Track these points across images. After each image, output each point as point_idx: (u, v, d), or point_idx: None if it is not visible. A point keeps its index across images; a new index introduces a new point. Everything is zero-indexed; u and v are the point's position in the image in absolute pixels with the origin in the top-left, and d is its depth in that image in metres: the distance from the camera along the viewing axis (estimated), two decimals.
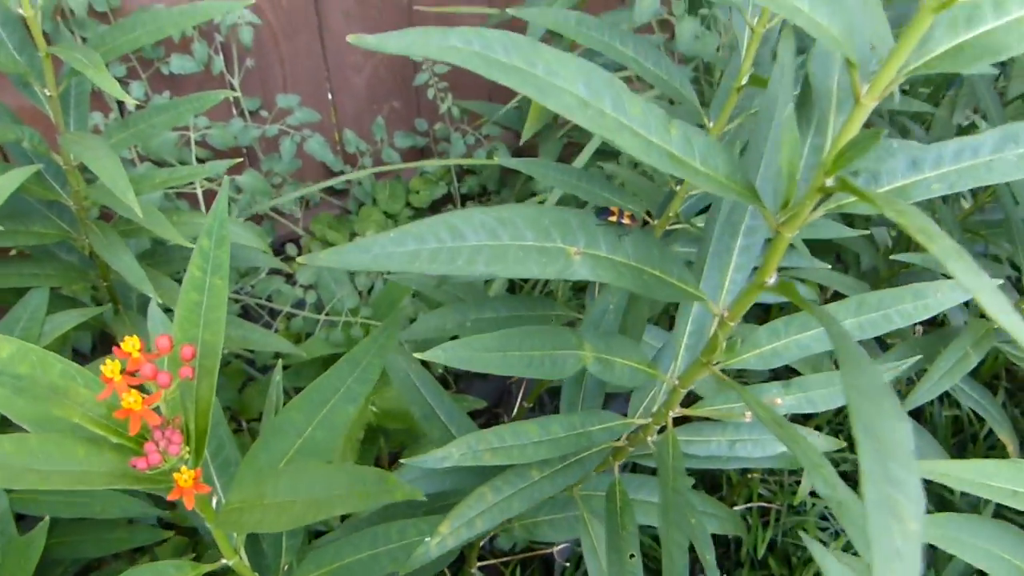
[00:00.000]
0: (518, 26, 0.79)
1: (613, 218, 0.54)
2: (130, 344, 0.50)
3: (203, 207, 1.52)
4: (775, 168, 0.61)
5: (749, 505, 1.76)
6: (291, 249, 2.02)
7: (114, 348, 0.50)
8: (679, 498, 0.59)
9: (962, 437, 1.85)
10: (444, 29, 0.40)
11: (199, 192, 1.50)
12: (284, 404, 0.72)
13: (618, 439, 0.73)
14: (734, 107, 0.87)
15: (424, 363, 0.90)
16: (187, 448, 0.51)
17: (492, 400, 1.82)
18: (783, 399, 0.70)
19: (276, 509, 0.52)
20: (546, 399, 1.71)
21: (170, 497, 0.51)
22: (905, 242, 1.60)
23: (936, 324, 1.90)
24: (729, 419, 0.73)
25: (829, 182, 0.48)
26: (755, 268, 0.64)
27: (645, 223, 0.98)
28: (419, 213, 2.14)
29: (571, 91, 0.40)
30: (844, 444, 0.78)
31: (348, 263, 0.44)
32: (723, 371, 0.62)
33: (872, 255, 1.56)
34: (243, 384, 1.64)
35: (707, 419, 0.75)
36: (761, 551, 1.71)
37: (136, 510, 0.95)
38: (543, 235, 0.47)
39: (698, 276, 0.63)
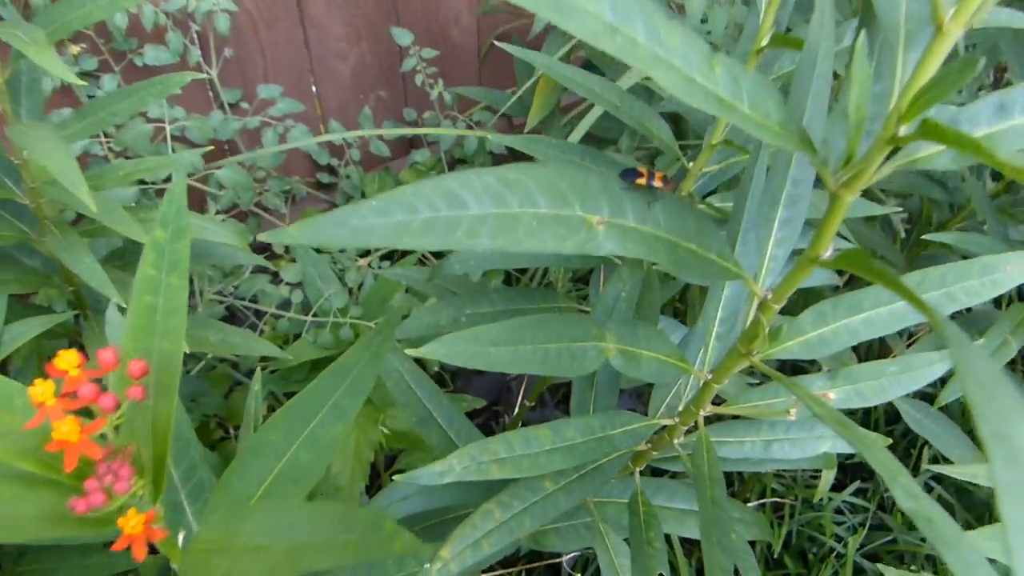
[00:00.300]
0: None
1: (642, 180, 0.46)
2: (65, 360, 0.41)
3: None
4: (821, 123, 0.53)
5: (762, 501, 1.68)
6: (278, 247, 1.93)
7: (47, 365, 0.41)
8: (721, 513, 0.50)
9: None
10: None
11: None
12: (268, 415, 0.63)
13: (641, 443, 0.65)
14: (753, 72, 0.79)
15: (419, 361, 0.81)
16: (140, 482, 0.42)
17: (491, 398, 1.74)
18: (832, 393, 0.61)
19: (250, 555, 0.43)
20: (547, 396, 1.63)
21: (115, 547, 0.42)
22: (925, 223, 1.52)
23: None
24: (767, 417, 0.64)
25: (903, 130, 0.40)
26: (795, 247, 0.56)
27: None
28: None
29: (596, 13, 0.32)
30: (890, 441, 0.70)
31: (322, 238, 0.35)
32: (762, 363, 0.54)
33: (885, 242, 1.48)
34: (230, 389, 1.56)
35: (738, 417, 0.67)
36: (777, 548, 1.63)
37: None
38: (560, 201, 0.38)
39: (730, 247, 0.55)
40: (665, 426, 0.64)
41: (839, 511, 1.71)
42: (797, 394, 0.47)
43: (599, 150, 1.73)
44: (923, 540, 1.62)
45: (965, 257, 1.47)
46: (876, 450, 0.42)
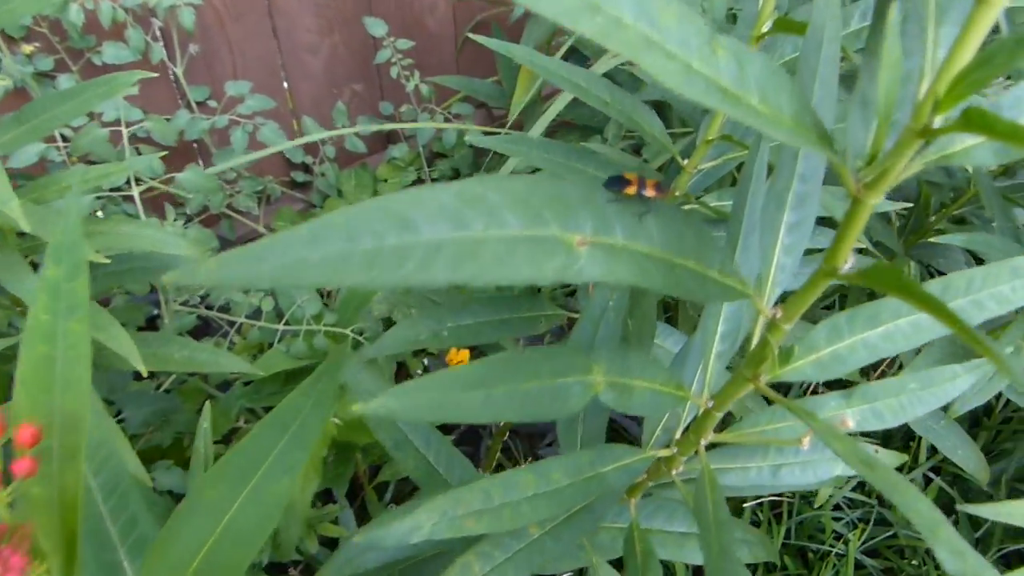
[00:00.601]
0: None
1: (631, 189, 0.39)
2: None
3: (141, 212, 1.36)
4: (831, 113, 0.46)
5: (760, 499, 1.63)
6: None
7: None
8: (729, 564, 0.44)
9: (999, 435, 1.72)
10: None
11: (136, 196, 1.34)
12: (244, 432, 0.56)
13: (637, 479, 0.59)
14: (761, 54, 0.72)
15: (401, 366, 0.74)
16: (42, 567, 0.36)
17: None
18: (848, 414, 0.55)
19: None
20: None
21: None
22: (924, 208, 1.46)
23: None
24: (776, 444, 0.58)
25: (939, 121, 0.33)
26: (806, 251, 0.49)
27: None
28: None
29: None
30: (906, 458, 0.64)
31: (241, 277, 0.29)
32: (770, 385, 0.48)
33: (881, 227, 1.41)
34: (202, 403, 1.49)
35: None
36: (777, 547, 1.58)
37: None
38: (533, 219, 0.32)
39: (731, 258, 0.48)
40: (663, 457, 0.57)
41: (838, 507, 1.66)
42: (813, 427, 0.41)
43: (584, 140, 1.66)
44: None
45: (974, 256, 1.42)
46: (911, 496, 0.35)
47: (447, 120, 1.93)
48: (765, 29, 0.71)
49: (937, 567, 1.54)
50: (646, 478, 0.60)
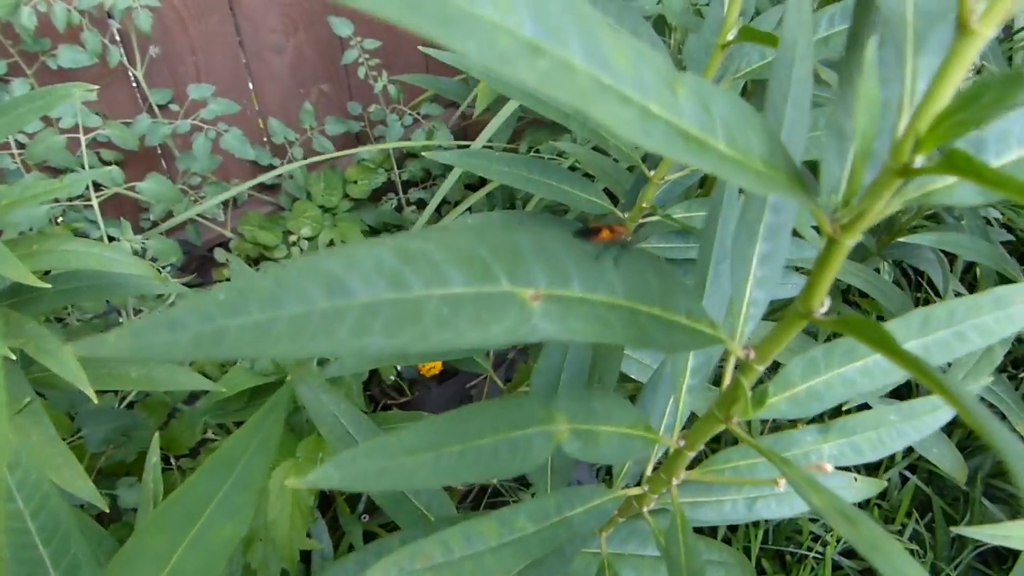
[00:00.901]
0: None
1: (604, 235, 0.36)
2: None
3: (100, 221, 1.31)
4: (802, 139, 0.44)
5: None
6: (220, 254, 1.82)
7: None
8: None
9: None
10: None
11: (95, 204, 1.29)
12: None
13: (606, 522, 0.56)
14: (718, 67, 0.70)
15: (374, 373, 0.71)
16: None
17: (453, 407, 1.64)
18: (825, 449, 0.53)
19: None
20: None
21: None
22: (897, 220, 1.45)
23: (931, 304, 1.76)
24: (750, 484, 0.56)
25: (920, 160, 0.31)
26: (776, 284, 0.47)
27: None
28: (358, 204, 1.94)
29: (507, 26, 0.22)
30: (885, 484, 0.62)
31: (152, 349, 0.26)
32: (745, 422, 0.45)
33: (864, 236, 1.39)
34: (168, 417, 1.45)
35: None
36: (755, 551, 1.56)
37: None
38: (480, 274, 0.29)
39: (699, 296, 0.46)
40: (634, 496, 0.55)
41: None
42: (789, 476, 0.38)
43: (554, 138, 1.63)
44: (900, 534, 1.56)
45: (945, 253, 1.41)
46: (897, 560, 0.33)
47: (416, 120, 1.89)
48: (730, 37, 0.69)
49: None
50: (616, 515, 0.58)
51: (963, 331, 0.47)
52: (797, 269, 0.89)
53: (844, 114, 0.35)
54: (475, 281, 0.28)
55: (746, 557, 0.78)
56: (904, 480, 1.62)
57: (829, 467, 0.48)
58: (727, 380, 0.44)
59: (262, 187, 1.91)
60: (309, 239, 1.83)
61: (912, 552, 1.53)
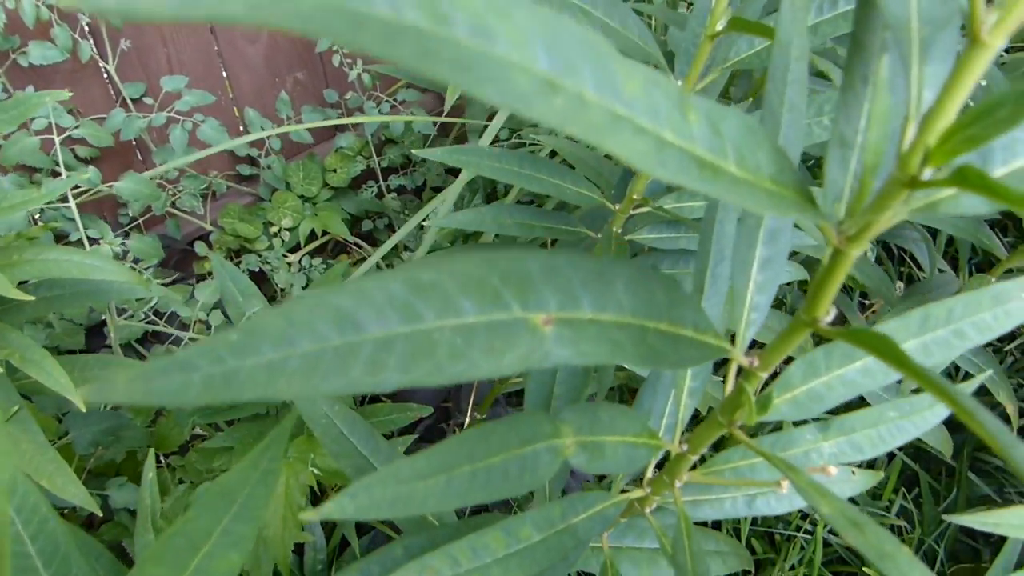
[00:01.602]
0: None
1: None
2: None
3: (79, 221, 1.29)
4: (799, 142, 0.44)
5: None
6: (201, 248, 1.80)
7: None
8: None
9: None
10: None
11: (73, 205, 1.27)
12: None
13: (609, 525, 0.56)
14: (706, 58, 0.69)
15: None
16: None
17: (439, 400, 1.64)
18: (825, 448, 0.53)
19: None
20: (501, 400, 1.54)
21: None
22: None
23: (914, 279, 1.77)
24: (752, 486, 0.56)
25: (928, 173, 0.30)
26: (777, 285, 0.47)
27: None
28: (338, 193, 1.93)
29: (523, 63, 0.22)
30: (882, 475, 0.62)
31: (163, 395, 0.25)
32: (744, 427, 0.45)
33: None
34: (155, 416, 1.44)
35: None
36: (745, 532, 1.58)
37: None
38: (491, 300, 0.28)
39: (699, 302, 0.46)
40: (637, 498, 0.55)
41: None
42: (796, 483, 0.38)
43: (531, 126, 1.62)
44: (887, 510, 1.58)
45: (929, 229, 1.41)
46: (906, 566, 0.33)
47: (393, 107, 1.88)
48: (719, 28, 0.68)
49: (904, 541, 1.55)
50: (619, 517, 0.58)
51: (962, 329, 0.47)
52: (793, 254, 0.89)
53: (847, 123, 0.34)
54: (487, 309, 0.28)
55: (739, 543, 0.78)
56: (891, 457, 1.64)
57: (834, 470, 0.48)
58: (729, 386, 0.44)
59: (240, 178, 1.89)
60: (290, 229, 1.81)
61: (900, 528, 1.55)
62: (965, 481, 1.54)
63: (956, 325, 0.47)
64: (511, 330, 0.29)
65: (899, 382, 1.32)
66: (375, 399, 1.62)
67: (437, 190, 2.00)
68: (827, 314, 0.36)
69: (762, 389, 0.47)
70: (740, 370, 0.43)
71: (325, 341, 0.26)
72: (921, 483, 1.59)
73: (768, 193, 0.28)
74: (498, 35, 0.22)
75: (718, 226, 0.48)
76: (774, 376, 0.49)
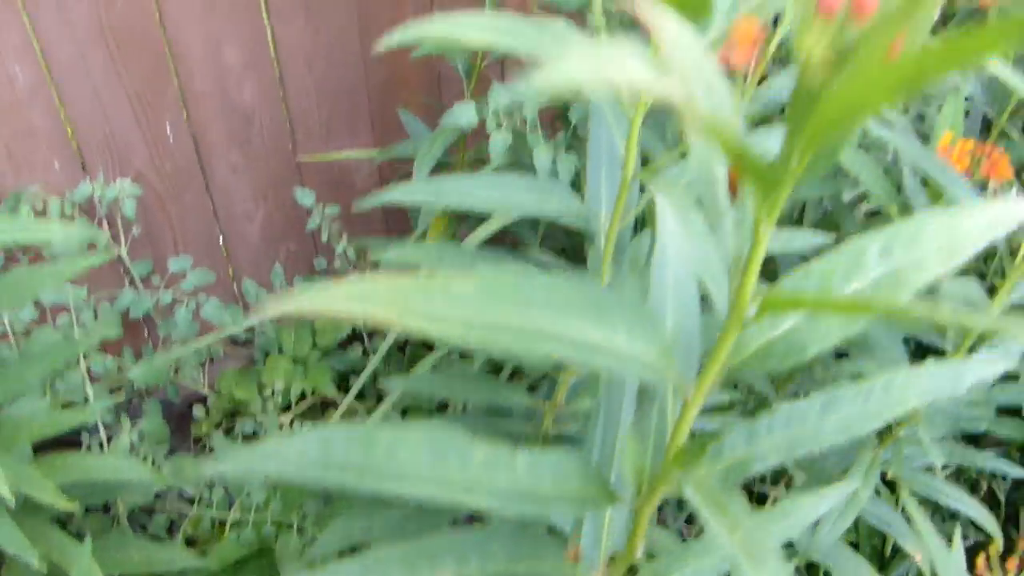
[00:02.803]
0: None
1: None
2: None
3: (91, 397, 1.46)
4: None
5: None
6: (199, 411, 1.96)
7: None
8: None
9: None
10: None
11: (89, 392, 1.44)
12: None
13: None
14: None
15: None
16: None
17: None
18: None
19: None
20: None
21: None
22: None
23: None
24: None
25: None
26: None
27: None
28: (327, 353, 2.10)
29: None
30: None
31: None
32: None
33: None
34: None
35: None
36: None
37: None
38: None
39: None
40: None
41: None
42: None
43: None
44: None
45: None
46: None
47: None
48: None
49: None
50: None
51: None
52: None
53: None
54: None
55: None
56: None
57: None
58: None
59: (237, 342, 2.06)
60: (282, 391, 1.98)
61: None
62: None
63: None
64: None
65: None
66: None
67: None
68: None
69: None
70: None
71: None
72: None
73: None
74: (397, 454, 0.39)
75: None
76: None
